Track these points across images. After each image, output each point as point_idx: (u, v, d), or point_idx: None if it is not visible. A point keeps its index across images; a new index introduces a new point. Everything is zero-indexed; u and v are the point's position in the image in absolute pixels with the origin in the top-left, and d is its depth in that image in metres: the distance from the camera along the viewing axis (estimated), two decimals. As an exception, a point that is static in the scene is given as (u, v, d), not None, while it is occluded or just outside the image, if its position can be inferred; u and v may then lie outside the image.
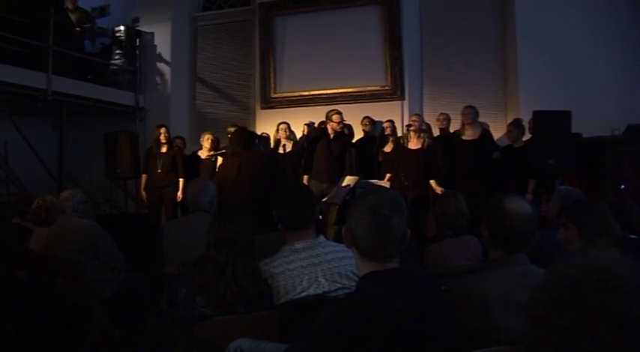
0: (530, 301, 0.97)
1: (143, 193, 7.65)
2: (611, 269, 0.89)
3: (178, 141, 7.95)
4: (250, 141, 5.12)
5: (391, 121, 7.44)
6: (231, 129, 7.33)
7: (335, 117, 6.52)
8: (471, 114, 6.57)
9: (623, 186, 6.34)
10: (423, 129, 6.59)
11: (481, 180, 6.26)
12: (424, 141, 6.43)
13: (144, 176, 7.60)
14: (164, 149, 7.48)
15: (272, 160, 5.23)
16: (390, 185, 6.22)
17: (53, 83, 7.48)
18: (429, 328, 1.58)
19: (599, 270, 0.89)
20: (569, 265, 0.95)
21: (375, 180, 6.25)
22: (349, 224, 1.76)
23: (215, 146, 7.56)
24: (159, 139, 7.47)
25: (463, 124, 6.70)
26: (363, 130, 7.67)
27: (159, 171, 7.38)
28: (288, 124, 7.37)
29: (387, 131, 7.26)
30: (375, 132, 7.65)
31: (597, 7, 7.54)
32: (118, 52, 9.22)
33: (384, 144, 7.10)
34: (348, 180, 6.07)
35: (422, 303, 1.61)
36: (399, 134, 7.12)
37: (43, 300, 3.91)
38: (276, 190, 2.79)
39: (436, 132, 7.34)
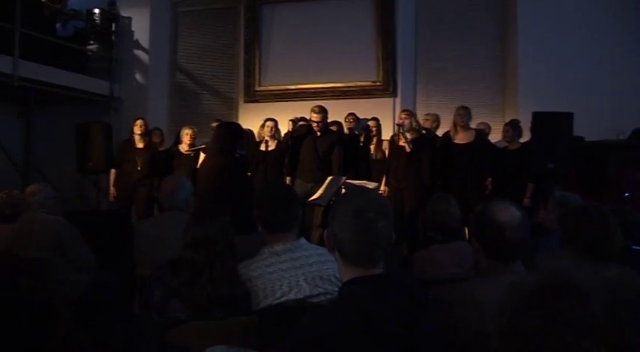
0: (496, 313, 1.01)
1: (112, 189, 7.50)
2: (572, 272, 0.93)
3: (157, 132, 7.91)
4: (228, 148, 4.99)
5: (376, 119, 7.40)
6: (215, 126, 7.30)
7: (314, 113, 6.48)
8: (464, 116, 6.42)
9: (627, 194, 6.32)
10: (413, 128, 6.56)
11: (476, 185, 6.23)
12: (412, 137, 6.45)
13: (113, 171, 7.48)
14: (141, 144, 7.39)
15: (228, 172, 4.99)
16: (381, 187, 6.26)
17: (20, 68, 7.34)
18: (412, 336, 1.60)
19: (561, 274, 0.94)
20: (532, 273, 1.00)
21: (362, 182, 6.25)
22: (332, 227, 1.77)
23: (195, 141, 7.52)
24: (138, 132, 7.40)
25: (455, 126, 6.51)
26: (348, 128, 7.49)
27: (138, 168, 7.29)
28: (275, 121, 7.25)
29: (373, 131, 7.26)
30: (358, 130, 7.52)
31: (605, 3, 7.60)
32: (92, 36, 9.15)
33: (370, 144, 7.12)
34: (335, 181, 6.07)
35: (406, 311, 1.63)
36: (389, 133, 7.11)
37: (5, 301, 3.89)
38: (241, 194, 2.77)
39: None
